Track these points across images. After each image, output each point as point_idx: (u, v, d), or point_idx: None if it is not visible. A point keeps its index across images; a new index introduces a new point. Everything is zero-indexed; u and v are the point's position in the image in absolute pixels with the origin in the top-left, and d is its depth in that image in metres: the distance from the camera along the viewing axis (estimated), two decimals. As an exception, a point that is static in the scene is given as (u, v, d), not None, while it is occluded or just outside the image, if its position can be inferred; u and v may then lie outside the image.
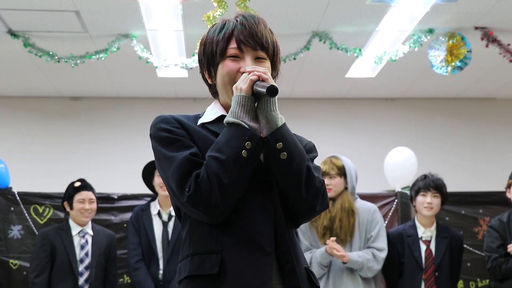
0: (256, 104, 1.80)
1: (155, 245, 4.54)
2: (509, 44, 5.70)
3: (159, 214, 4.63)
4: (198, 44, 5.26)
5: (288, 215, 1.82)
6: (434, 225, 4.48)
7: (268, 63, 1.88)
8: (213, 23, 1.99)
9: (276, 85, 1.74)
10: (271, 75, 1.89)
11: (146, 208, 4.67)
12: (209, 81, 1.94)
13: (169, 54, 6.07)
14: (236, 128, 1.74)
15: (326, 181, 4.06)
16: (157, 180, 4.63)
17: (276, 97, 1.78)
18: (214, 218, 1.75)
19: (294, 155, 1.76)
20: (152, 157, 4.62)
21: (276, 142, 1.75)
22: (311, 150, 1.96)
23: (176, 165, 1.75)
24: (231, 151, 1.71)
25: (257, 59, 1.86)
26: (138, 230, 4.60)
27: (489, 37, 5.71)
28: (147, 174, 4.73)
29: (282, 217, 1.79)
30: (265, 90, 1.73)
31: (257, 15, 1.90)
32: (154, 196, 4.75)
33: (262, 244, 1.74)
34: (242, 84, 1.78)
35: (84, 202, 4.54)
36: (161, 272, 4.51)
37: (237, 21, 1.87)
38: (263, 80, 1.77)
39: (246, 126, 1.75)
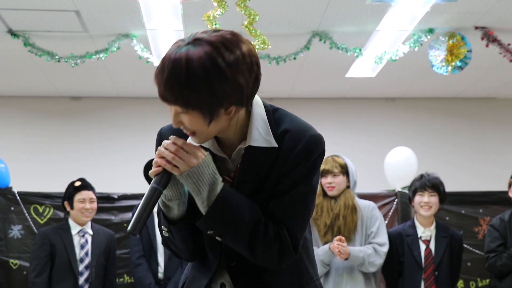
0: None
1: (156, 242, 4.55)
2: (509, 44, 5.70)
3: None
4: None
5: None
6: (434, 224, 4.48)
7: (191, 114, 1.64)
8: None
9: (130, 229, 1.62)
10: (211, 117, 1.64)
11: None
12: None
13: (169, 54, 6.06)
14: (159, 209, 1.79)
15: (329, 179, 4.08)
16: None
17: (193, 180, 1.66)
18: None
19: (229, 236, 1.72)
20: (151, 156, 4.65)
21: (206, 229, 1.72)
22: (297, 163, 1.72)
23: None
24: (161, 230, 1.81)
25: (180, 113, 1.66)
26: None
27: (489, 37, 5.71)
28: (148, 172, 4.74)
29: None
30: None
31: (173, 61, 1.61)
32: None
33: (207, 276, 1.83)
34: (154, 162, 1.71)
35: (85, 202, 4.54)
36: (161, 269, 4.51)
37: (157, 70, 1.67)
38: (164, 174, 1.68)
39: (163, 211, 1.76)
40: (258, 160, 1.73)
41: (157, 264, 4.54)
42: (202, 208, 1.68)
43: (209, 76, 1.59)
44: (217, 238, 1.72)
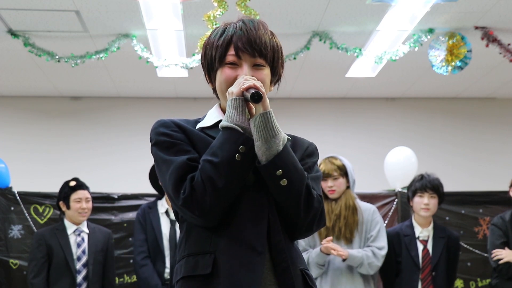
0: (255, 126, 1.77)
1: (162, 243, 4.54)
2: (509, 44, 5.70)
3: (166, 212, 4.62)
4: (199, 44, 5.25)
5: (286, 229, 1.84)
6: (431, 225, 4.47)
7: (266, 70, 1.86)
8: (215, 25, 1.99)
9: (261, 92, 1.72)
10: (271, 80, 1.89)
11: (153, 206, 4.66)
12: (210, 85, 1.95)
13: (169, 53, 6.07)
14: (230, 132, 1.75)
15: (330, 182, 4.08)
16: None
17: (275, 119, 1.76)
18: (208, 221, 1.77)
19: (294, 181, 1.76)
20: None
21: (276, 169, 1.74)
22: (312, 154, 1.95)
23: (173, 169, 1.77)
24: (225, 154, 1.72)
25: (255, 66, 1.84)
26: (145, 228, 4.59)
27: (489, 36, 5.71)
28: (154, 174, 4.69)
29: (277, 218, 1.80)
30: (249, 96, 1.72)
31: (257, 20, 1.87)
32: (159, 196, 4.75)
33: (254, 245, 1.75)
34: (234, 87, 1.78)
35: (81, 201, 4.54)
36: (167, 270, 4.51)
37: (236, 26, 1.84)
38: (255, 88, 1.75)
39: (240, 130, 1.75)
40: None
41: (163, 265, 4.54)
42: (274, 148, 1.74)
43: (279, 44, 1.90)
44: (280, 183, 1.74)
